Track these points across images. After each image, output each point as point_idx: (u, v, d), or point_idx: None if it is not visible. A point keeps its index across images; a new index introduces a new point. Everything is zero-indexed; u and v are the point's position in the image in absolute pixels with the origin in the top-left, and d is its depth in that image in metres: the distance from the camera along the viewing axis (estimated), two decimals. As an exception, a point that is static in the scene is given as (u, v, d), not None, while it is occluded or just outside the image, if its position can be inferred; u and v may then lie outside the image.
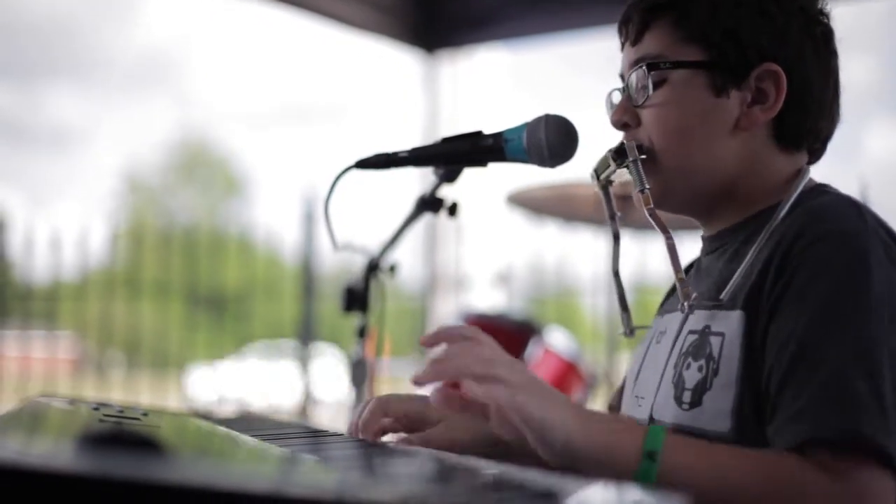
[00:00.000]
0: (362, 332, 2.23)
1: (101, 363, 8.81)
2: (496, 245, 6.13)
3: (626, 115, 1.50)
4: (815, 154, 1.52)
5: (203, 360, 9.20)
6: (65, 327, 8.96)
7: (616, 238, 1.64)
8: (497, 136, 1.63)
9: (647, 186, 1.45)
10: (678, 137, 1.47)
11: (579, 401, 3.30)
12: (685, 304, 1.41)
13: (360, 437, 1.45)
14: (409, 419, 1.50)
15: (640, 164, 1.46)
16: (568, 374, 3.28)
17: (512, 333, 3.32)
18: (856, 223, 1.31)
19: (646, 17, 1.50)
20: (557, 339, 3.35)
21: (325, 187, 1.76)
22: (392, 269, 2.20)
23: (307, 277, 6.53)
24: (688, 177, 1.48)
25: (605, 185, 1.58)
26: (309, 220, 6.48)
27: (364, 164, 1.70)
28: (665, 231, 1.44)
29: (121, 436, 0.80)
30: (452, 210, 1.87)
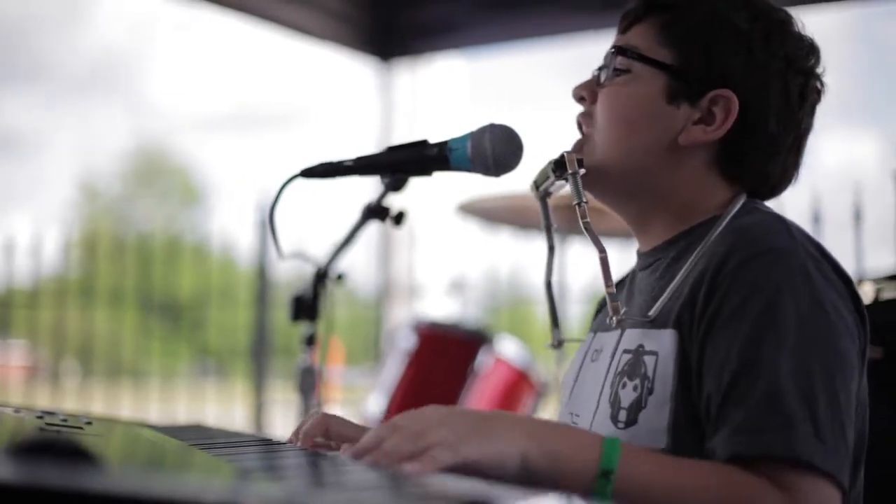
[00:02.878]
0: (310, 341, 2.24)
1: (55, 371, 8.72)
2: (450, 253, 6.13)
3: (585, 90, 1.56)
4: (760, 197, 1.54)
5: (158, 369, 9.14)
6: (18, 336, 8.86)
7: (551, 249, 1.66)
8: (442, 146, 1.64)
9: (585, 200, 1.48)
10: (619, 126, 1.51)
11: (530, 409, 3.32)
12: (614, 318, 1.44)
13: (297, 443, 1.45)
14: (347, 443, 1.46)
15: (578, 177, 1.49)
16: (519, 382, 3.30)
17: (463, 342, 3.33)
18: (785, 241, 1.34)
19: (640, 12, 1.55)
20: (508, 348, 3.37)
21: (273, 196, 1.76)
22: (340, 277, 2.21)
23: (261, 285, 6.51)
24: (619, 167, 1.51)
25: (544, 196, 1.61)
26: (263, 227, 6.45)
27: (309, 172, 1.71)
28: (598, 244, 1.47)
29: (51, 445, 0.80)
30: (399, 219, 1.88)
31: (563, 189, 1.56)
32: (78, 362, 8.78)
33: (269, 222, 1.81)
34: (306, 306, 2.19)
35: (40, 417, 1.62)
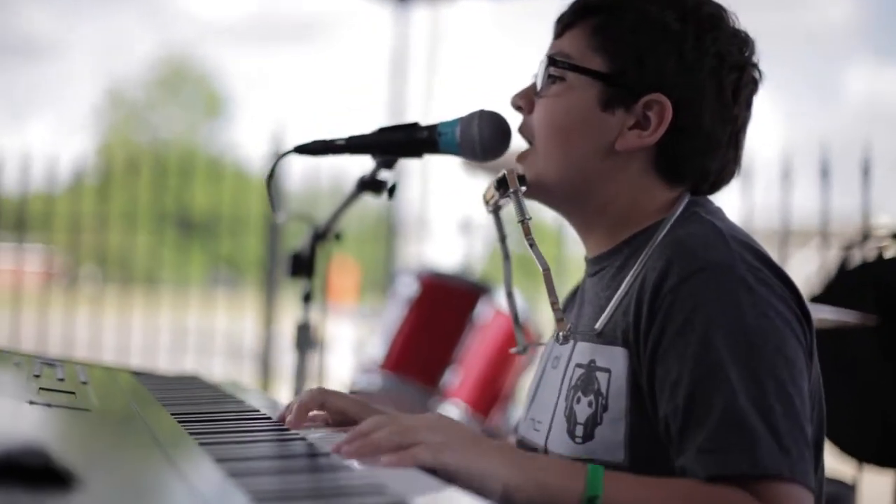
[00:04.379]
0: (307, 298, 2.28)
1: (71, 277, 8.83)
2: (460, 191, 6.13)
3: (522, 99, 1.57)
4: (701, 194, 1.55)
5: (171, 277, 9.22)
6: (34, 240, 8.96)
7: (506, 259, 1.69)
8: (431, 129, 1.67)
9: (528, 217, 1.50)
10: (554, 135, 1.52)
11: (524, 362, 3.36)
12: (559, 333, 1.47)
13: (289, 419, 1.47)
14: (344, 417, 1.51)
15: (520, 194, 1.51)
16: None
17: (464, 292, 3.37)
18: (722, 254, 1.35)
19: (571, 18, 1.55)
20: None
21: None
22: (338, 237, 2.24)
23: (273, 198, 6.53)
24: (558, 178, 1.53)
25: (495, 210, 1.63)
26: (277, 140, 6.47)
27: (302, 149, 1.74)
28: (542, 261, 1.49)
29: (28, 466, 0.84)
30: (391, 192, 1.91)
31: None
32: (94, 268, 8.88)
33: (267, 188, 1.84)
34: (304, 264, 2.22)
35: (38, 376, 1.67)
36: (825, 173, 4.56)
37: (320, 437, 1.39)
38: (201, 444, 1.25)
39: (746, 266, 1.34)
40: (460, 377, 3.25)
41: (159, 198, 7.88)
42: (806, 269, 4.77)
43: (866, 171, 4.44)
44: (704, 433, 1.25)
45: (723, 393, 1.26)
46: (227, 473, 1.06)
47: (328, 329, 2.39)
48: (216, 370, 7.71)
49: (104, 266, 8.60)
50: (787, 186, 4.85)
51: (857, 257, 3.80)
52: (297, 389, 2.29)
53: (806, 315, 1.39)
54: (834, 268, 3.83)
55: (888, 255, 3.75)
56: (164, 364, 7.61)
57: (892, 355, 3.39)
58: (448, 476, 1.23)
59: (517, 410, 3.26)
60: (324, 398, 1.51)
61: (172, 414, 1.50)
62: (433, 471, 1.21)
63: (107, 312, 7.98)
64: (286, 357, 6.63)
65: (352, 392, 3.39)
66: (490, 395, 3.30)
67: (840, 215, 4.87)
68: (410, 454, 1.22)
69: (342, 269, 9.86)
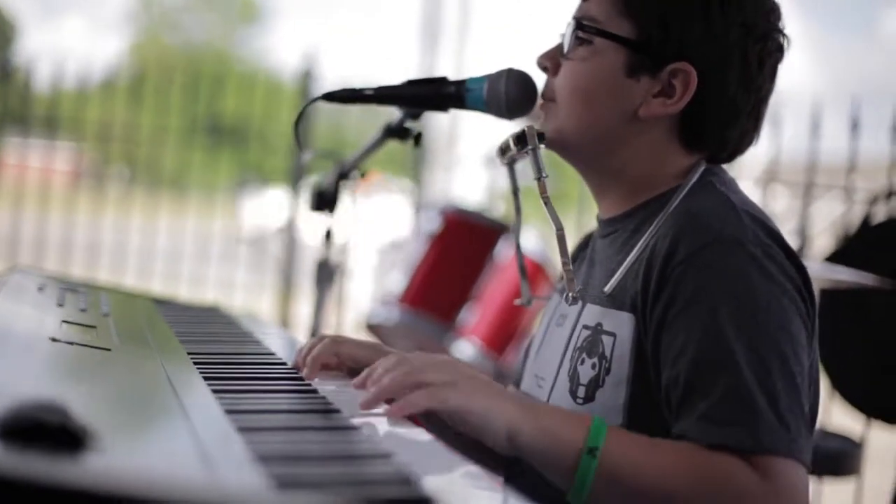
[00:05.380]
0: (328, 235, 2.30)
1: (99, 177, 8.85)
2: (489, 125, 6.10)
3: (549, 60, 1.56)
4: (719, 161, 1.55)
5: (198, 181, 9.24)
6: (65, 139, 8.98)
7: (518, 212, 1.69)
8: (459, 85, 1.68)
9: (545, 174, 1.50)
10: (579, 99, 1.52)
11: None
12: (569, 294, 1.48)
13: (305, 372, 1.49)
14: (358, 364, 1.52)
15: (538, 151, 1.51)
16: (535, 275, 3.36)
17: (486, 231, 3.38)
18: (735, 228, 1.36)
19: None
20: (528, 240, 3.40)
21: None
22: (363, 174, 2.25)
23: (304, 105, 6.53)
24: (578, 139, 1.53)
25: (511, 162, 1.64)
26: (307, 77, 6.48)
27: (331, 97, 1.75)
28: (556, 220, 1.50)
29: (41, 427, 0.86)
30: (417, 140, 1.92)
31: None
32: (122, 169, 8.91)
33: (294, 133, 1.85)
34: (327, 200, 2.24)
35: (61, 305, 1.71)
36: (855, 126, 4.50)
37: (334, 389, 1.42)
38: (215, 391, 1.28)
39: (757, 241, 1.35)
40: (477, 315, 3.28)
41: (190, 103, 7.87)
42: (832, 217, 4.75)
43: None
44: (707, 402, 1.27)
45: (727, 365, 1.28)
46: (236, 427, 1.09)
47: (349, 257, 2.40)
48: (238, 278, 7.78)
49: (133, 168, 8.63)
50: (815, 135, 4.80)
51: (881, 213, 3.79)
52: (315, 326, 2.32)
53: (811, 294, 1.40)
54: (856, 223, 3.83)
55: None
56: (188, 270, 7.68)
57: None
58: (452, 417, 1.28)
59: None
60: (336, 348, 1.54)
61: (189, 354, 1.53)
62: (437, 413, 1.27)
63: (133, 215, 8.02)
64: (307, 266, 6.70)
65: (368, 325, 3.43)
66: (505, 334, 3.33)
67: (867, 160, 4.81)
68: (411, 401, 1.27)
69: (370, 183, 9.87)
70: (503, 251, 3.34)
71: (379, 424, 1.24)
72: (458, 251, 3.37)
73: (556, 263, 3.64)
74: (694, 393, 1.29)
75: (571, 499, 1.28)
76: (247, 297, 7.67)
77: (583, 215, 5.60)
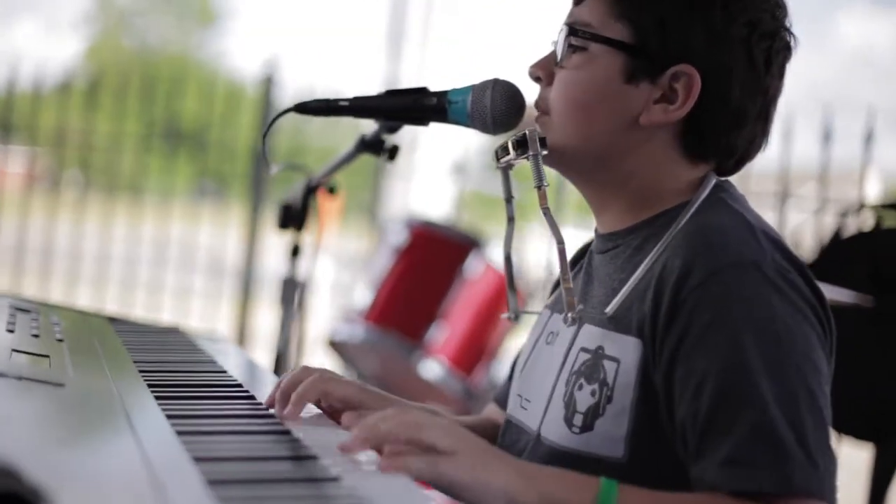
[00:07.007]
0: (295, 251, 2.21)
1: (54, 181, 8.69)
2: (450, 132, 6.03)
3: (542, 70, 1.47)
4: (726, 171, 1.47)
5: (156, 186, 9.10)
6: (19, 143, 8.82)
7: (511, 221, 1.61)
8: (441, 96, 1.57)
9: (546, 183, 1.42)
10: (575, 110, 1.43)
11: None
12: (568, 315, 1.38)
13: (287, 410, 1.39)
14: (346, 405, 1.44)
15: (539, 158, 1.42)
16: (505, 291, 3.27)
17: (455, 245, 3.29)
18: (752, 251, 1.28)
19: None
20: (499, 254, 3.30)
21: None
22: (332, 190, 2.16)
23: (265, 111, 6.46)
24: (576, 151, 1.44)
25: (506, 167, 1.55)
26: (269, 83, 6.38)
27: (303, 108, 1.64)
28: (557, 233, 1.42)
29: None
30: (392, 154, 1.83)
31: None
32: (77, 174, 8.76)
33: (261, 145, 1.75)
34: (294, 216, 2.15)
35: (11, 331, 1.60)
36: (827, 137, 4.47)
37: (308, 430, 1.31)
38: (180, 433, 1.19)
39: (776, 265, 1.27)
40: (445, 333, 3.19)
41: (148, 107, 7.74)
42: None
43: (869, 138, 4.36)
44: (731, 443, 1.18)
45: (752, 400, 1.19)
46: (205, 479, 1.00)
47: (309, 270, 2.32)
48: (197, 285, 7.65)
49: (88, 172, 8.48)
50: (787, 144, 4.76)
51: (852, 226, 3.75)
52: (279, 346, 2.22)
53: (829, 321, 1.32)
54: (828, 236, 3.79)
55: (884, 225, 3.70)
56: (145, 276, 7.54)
57: (883, 330, 3.36)
58: (447, 487, 1.18)
59: (501, 370, 3.21)
60: (325, 387, 1.44)
61: (150, 387, 1.44)
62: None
63: (89, 219, 7.87)
64: (268, 275, 6.59)
65: (331, 343, 3.33)
66: (474, 352, 3.24)
67: (838, 167, 4.79)
68: (407, 464, 1.15)
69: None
70: (472, 266, 3.25)
71: (359, 471, 1.14)
72: (426, 266, 3.28)
73: (527, 276, 3.58)
74: (716, 430, 1.20)
75: None
76: (205, 303, 7.55)
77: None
